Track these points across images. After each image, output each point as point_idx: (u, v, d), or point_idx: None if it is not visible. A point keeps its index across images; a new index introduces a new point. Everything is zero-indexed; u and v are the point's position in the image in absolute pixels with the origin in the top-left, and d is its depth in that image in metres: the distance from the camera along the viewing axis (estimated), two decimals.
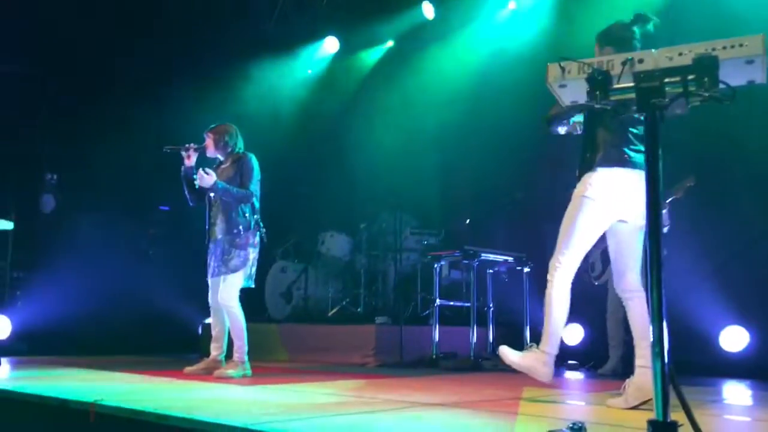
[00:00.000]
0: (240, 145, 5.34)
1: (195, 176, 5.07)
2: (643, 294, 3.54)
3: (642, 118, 3.21)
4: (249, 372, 5.03)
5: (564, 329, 3.70)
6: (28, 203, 8.20)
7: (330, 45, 9.56)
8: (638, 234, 3.60)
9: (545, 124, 3.82)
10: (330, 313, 7.86)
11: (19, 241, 7.97)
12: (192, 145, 5.22)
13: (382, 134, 8.79)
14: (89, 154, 8.13)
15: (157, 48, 8.38)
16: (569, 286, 3.67)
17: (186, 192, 5.31)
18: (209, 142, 5.29)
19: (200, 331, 8.27)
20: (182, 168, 5.26)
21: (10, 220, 5.78)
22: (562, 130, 3.84)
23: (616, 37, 3.61)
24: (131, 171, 8.40)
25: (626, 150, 3.51)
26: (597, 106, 2.33)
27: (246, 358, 5.05)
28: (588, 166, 3.59)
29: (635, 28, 3.59)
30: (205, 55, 8.52)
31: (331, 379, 4.96)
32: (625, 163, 3.50)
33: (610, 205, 3.52)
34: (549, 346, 3.65)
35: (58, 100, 8.33)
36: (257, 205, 5.23)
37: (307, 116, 9.34)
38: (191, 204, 5.37)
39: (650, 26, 3.59)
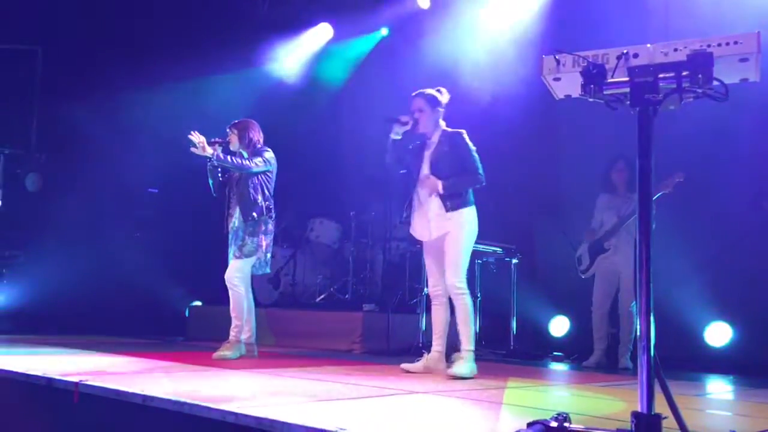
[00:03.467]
0: (261, 140, 5.50)
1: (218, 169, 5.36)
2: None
3: None
4: (254, 354, 5.28)
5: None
6: (14, 182, 8.13)
7: (323, 31, 9.49)
8: None
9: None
10: (317, 300, 7.86)
11: (5, 220, 7.92)
12: (217, 139, 5.34)
13: (374, 122, 8.76)
14: (78, 133, 8.06)
15: (150, 28, 8.31)
16: None
17: (211, 183, 5.45)
18: (233, 137, 5.45)
19: (187, 313, 8.26)
20: (208, 162, 5.35)
21: None
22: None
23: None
24: (120, 152, 8.34)
25: None
26: (590, 99, 2.33)
27: (241, 337, 5.24)
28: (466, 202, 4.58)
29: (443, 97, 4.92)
30: (198, 36, 8.45)
31: (318, 364, 4.98)
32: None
33: None
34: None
35: (47, 78, 8.25)
36: (268, 193, 5.42)
37: (298, 102, 9.28)
38: (214, 195, 5.51)
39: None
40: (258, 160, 5.29)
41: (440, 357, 4.60)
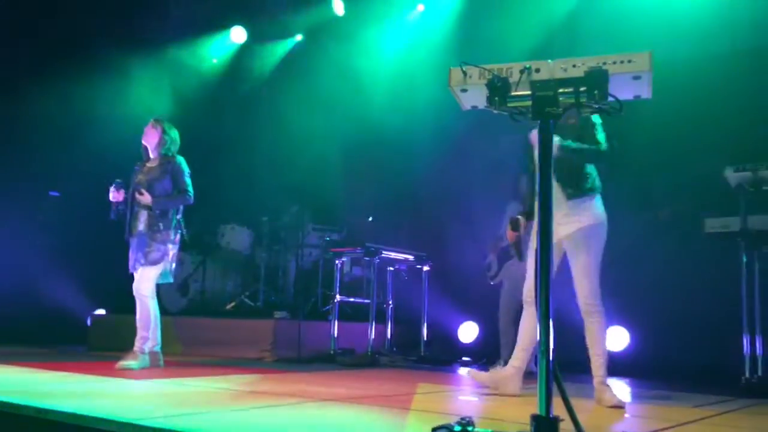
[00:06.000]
0: (176, 150, 5.37)
1: (120, 207, 5.27)
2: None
3: None
4: (160, 363, 5.15)
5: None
6: None
7: (237, 35, 9.38)
8: None
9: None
10: (228, 307, 7.73)
11: None
12: (113, 187, 5.24)
13: (288, 128, 8.72)
14: None
15: (55, 24, 7.98)
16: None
17: (113, 216, 5.34)
18: (154, 132, 5.28)
19: (89, 322, 7.95)
20: (112, 209, 5.30)
21: None
22: None
23: None
24: (20, 154, 7.96)
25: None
26: (495, 111, 2.40)
27: (146, 348, 5.08)
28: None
29: None
30: (106, 34, 8.17)
31: (225, 373, 4.89)
32: None
33: None
34: None
35: None
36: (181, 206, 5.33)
37: (209, 106, 9.13)
38: (113, 218, 5.37)
39: None
40: (186, 183, 5.23)
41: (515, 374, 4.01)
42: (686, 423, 3.21)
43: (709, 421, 3.34)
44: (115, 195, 5.23)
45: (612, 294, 6.09)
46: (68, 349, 7.18)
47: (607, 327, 3.95)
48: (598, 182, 3.94)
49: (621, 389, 5.05)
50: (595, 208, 3.90)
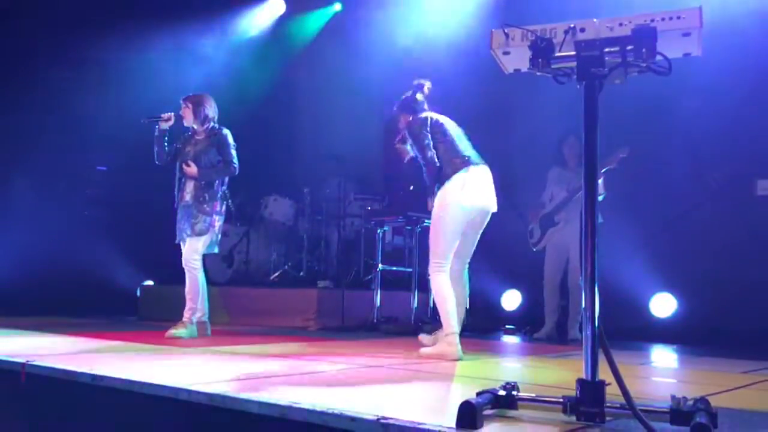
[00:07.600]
0: (216, 117, 5.43)
1: (166, 139, 5.36)
2: None
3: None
4: (207, 333, 5.27)
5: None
6: None
7: (276, 5, 9.37)
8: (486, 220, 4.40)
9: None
10: (272, 277, 7.83)
11: None
12: (171, 113, 5.33)
13: (327, 99, 8.71)
14: (21, 111, 7.81)
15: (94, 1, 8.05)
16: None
17: (156, 151, 5.40)
18: (187, 111, 5.35)
19: (138, 293, 8.15)
20: (156, 129, 5.35)
21: None
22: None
23: (407, 107, 4.53)
24: (67, 130, 8.12)
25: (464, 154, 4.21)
26: (539, 73, 2.35)
27: (194, 318, 5.21)
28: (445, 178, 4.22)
29: (418, 96, 4.53)
30: (145, 10, 8.21)
31: (270, 342, 4.97)
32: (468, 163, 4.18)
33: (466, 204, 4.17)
34: (452, 327, 4.10)
35: None
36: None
37: (250, 79, 9.15)
38: (158, 162, 5.44)
39: (425, 90, 4.57)
40: (231, 155, 5.29)
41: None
42: (735, 388, 3.16)
43: (758, 387, 3.29)
44: (170, 118, 5.33)
45: (660, 260, 6.03)
46: (119, 319, 7.37)
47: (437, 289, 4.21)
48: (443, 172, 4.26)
49: (665, 355, 4.99)
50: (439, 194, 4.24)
